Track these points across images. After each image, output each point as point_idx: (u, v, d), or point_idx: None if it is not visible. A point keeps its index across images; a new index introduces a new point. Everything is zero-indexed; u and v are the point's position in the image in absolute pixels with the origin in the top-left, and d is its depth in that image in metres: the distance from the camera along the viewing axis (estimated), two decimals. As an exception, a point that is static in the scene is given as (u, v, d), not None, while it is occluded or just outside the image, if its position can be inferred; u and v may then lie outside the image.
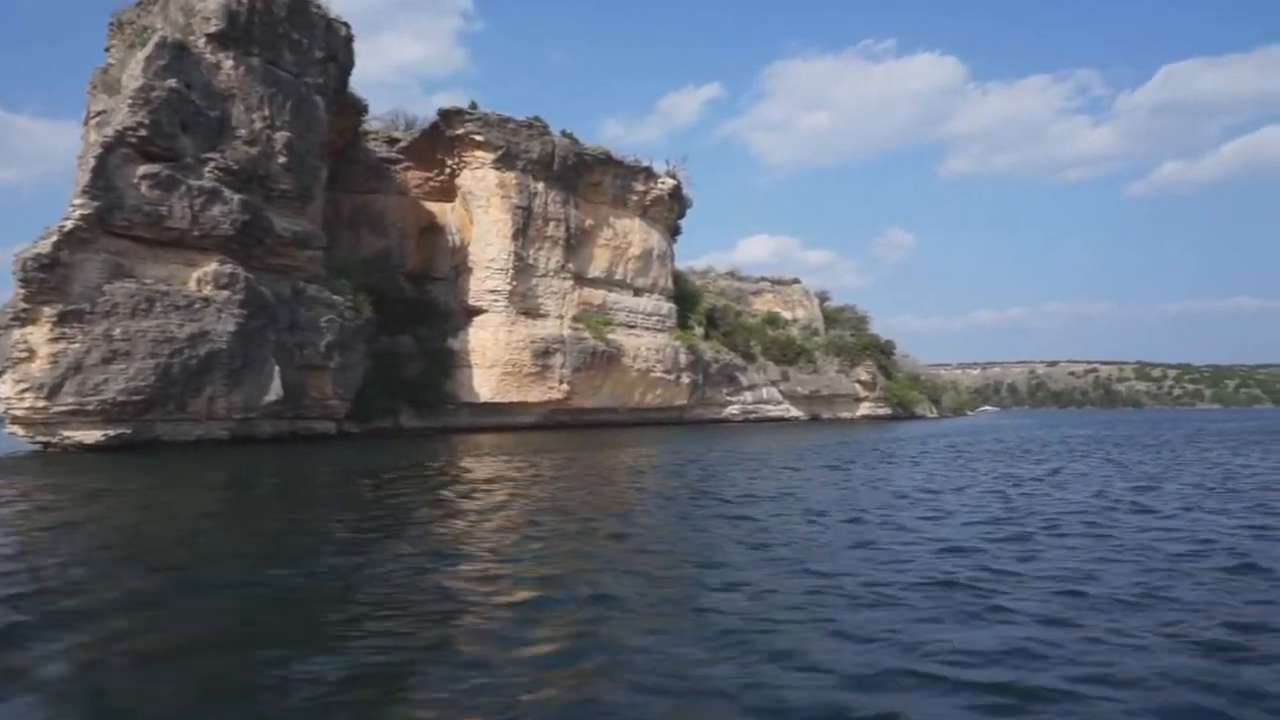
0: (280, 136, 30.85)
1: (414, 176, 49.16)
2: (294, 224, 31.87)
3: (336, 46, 35.14)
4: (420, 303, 46.89)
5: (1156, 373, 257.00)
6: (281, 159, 30.90)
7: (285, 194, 31.45)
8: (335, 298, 33.50)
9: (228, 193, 27.84)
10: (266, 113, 30.48)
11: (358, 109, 44.53)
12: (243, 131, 29.41)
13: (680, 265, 78.63)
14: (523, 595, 6.99)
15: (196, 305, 26.12)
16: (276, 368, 28.64)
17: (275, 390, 28.44)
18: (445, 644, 5.69)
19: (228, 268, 27.47)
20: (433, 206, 49.43)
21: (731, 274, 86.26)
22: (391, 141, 48.98)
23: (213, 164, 27.67)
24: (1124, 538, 9.96)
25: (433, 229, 49.41)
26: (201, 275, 26.88)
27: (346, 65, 37.06)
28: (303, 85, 32.78)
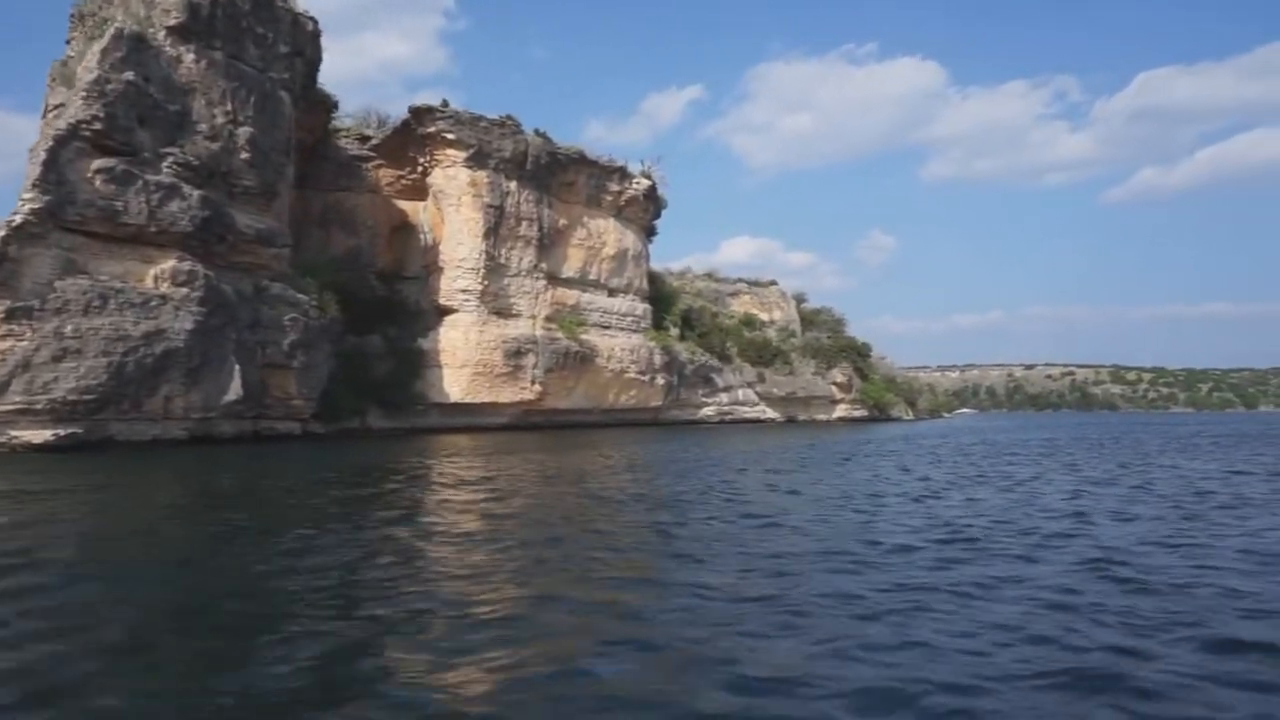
0: (243, 132, 30.37)
1: (386, 175, 48.69)
2: (257, 221, 31.38)
3: (303, 41, 34.68)
4: (391, 302, 46.43)
5: (1132, 376, 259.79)
6: (244, 155, 30.42)
7: (248, 190, 30.96)
8: (300, 296, 33.03)
9: (187, 188, 27.34)
10: (229, 107, 29.99)
11: (327, 106, 44.12)
12: (204, 126, 28.91)
13: (659, 266, 78.70)
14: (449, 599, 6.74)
15: (153, 303, 25.60)
16: (237, 367, 28.18)
17: (235, 390, 27.97)
18: (358, 653, 5.44)
19: (186, 265, 26.97)
20: (405, 205, 48.98)
21: (709, 275, 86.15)
22: (363, 139, 48.46)
23: (171, 159, 27.16)
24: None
25: (404, 228, 48.96)
26: (159, 272, 26.37)
27: (314, 61, 36.62)
28: (267, 80, 32.30)
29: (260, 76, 31.85)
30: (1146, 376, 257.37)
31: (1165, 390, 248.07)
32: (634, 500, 13.83)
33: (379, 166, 48.50)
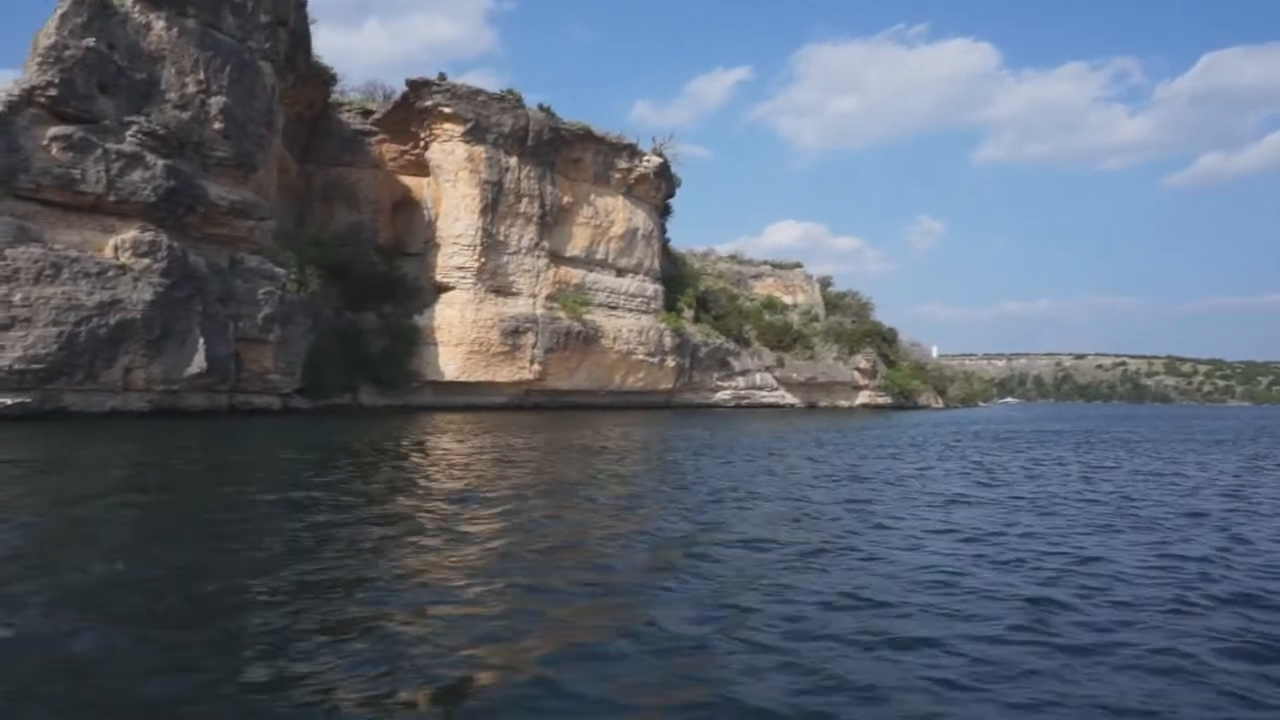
0: (216, 101, 29.92)
1: (389, 150, 48.20)
2: (232, 193, 30.98)
3: (285, 11, 34.12)
4: (390, 278, 46.03)
5: (1186, 368, 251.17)
6: (217, 125, 29.99)
7: (223, 162, 30.56)
8: (278, 270, 32.63)
9: (151, 157, 26.97)
10: (201, 76, 29.54)
11: (325, 78, 43.68)
12: (173, 95, 28.50)
13: (682, 247, 77.45)
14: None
15: (110, 273, 25.30)
16: (201, 339, 27.82)
17: (199, 362, 27.64)
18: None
19: (148, 235, 26.63)
20: (408, 180, 48.44)
21: (733, 257, 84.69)
22: (366, 114, 48.02)
23: (136, 127, 26.78)
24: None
25: (407, 204, 48.45)
26: (119, 242, 26.07)
27: (299, 31, 36.09)
28: (246, 50, 31.79)
29: (237, 46, 31.35)
30: (1202, 369, 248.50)
31: (1222, 383, 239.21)
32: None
33: (382, 141, 48.04)
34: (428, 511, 9.58)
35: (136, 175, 26.46)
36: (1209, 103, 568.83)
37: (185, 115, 28.82)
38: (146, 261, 26.45)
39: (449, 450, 18.64)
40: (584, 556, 7.38)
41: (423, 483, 12.58)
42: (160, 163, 27.26)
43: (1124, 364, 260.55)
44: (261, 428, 25.87)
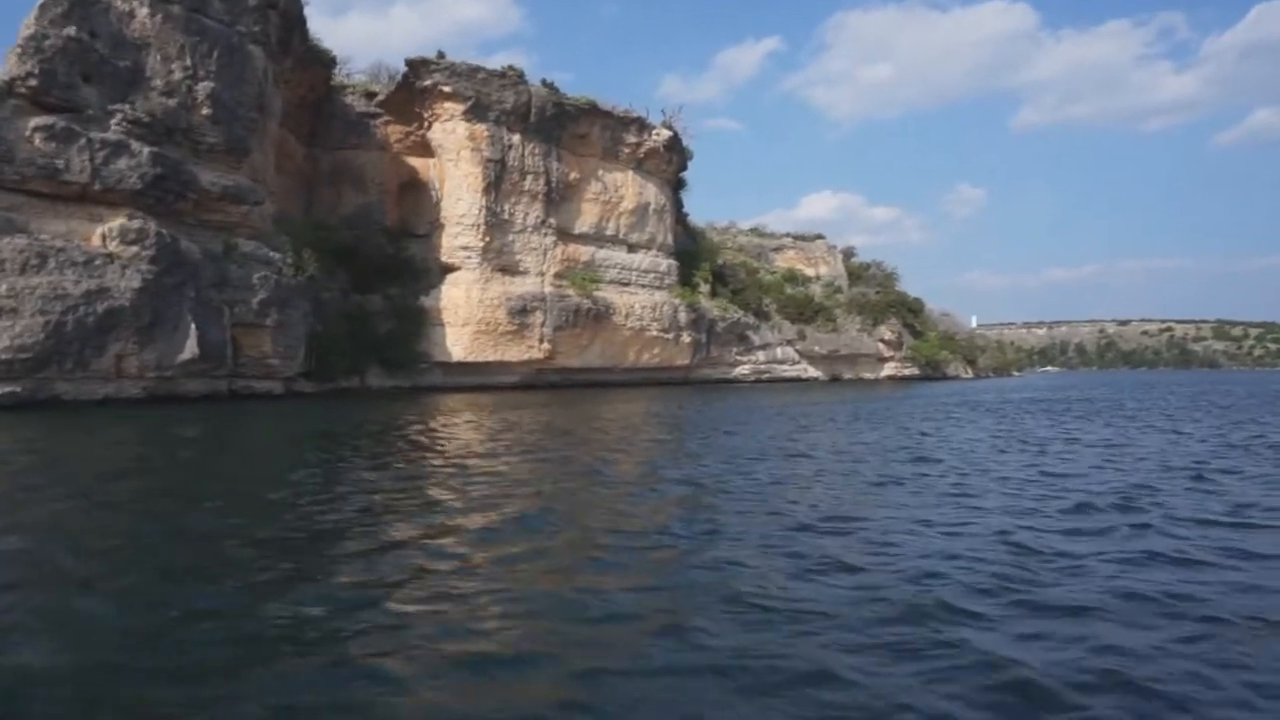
0: (204, 87, 29.86)
1: (394, 131, 47.98)
2: (224, 178, 31.00)
3: (275, -7, 33.89)
4: (397, 260, 46.03)
5: (1237, 331, 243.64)
6: (206, 111, 29.94)
7: (213, 148, 30.55)
8: (273, 254, 32.69)
9: (136, 145, 27.03)
10: (188, 63, 29.48)
11: (325, 61, 43.54)
12: (159, 82, 28.48)
13: (702, 222, 76.59)
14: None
15: (97, 261, 25.47)
16: (193, 325, 27.96)
17: (191, 348, 27.80)
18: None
19: (136, 223, 26.74)
20: (415, 162, 48.22)
21: (754, 230, 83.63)
22: (369, 95, 47.84)
23: (121, 116, 26.84)
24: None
25: (414, 185, 48.26)
26: (107, 231, 26.22)
27: (292, 13, 35.88)
28: (234, 34, 31.66)
29: (225, 30, 31.23)
30: (1253, 332, 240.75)
31: (1274, 346, 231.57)
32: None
33: (387, 123, 47.82)
34: (389, 499, 9.32)
35: (122, 163, 26.54)
36: (1262, 55, 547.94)
37: (172, 102, 28.81)
38: (135, 249, 26.58)
39: (426, 431, 18.45)
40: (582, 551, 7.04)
41: (398, 464, 12.34)
42: (146, 150, 27.31)
43: (1170, 329, 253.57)
44: (255, 412, 26.01)
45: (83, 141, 25.68)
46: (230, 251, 31.14)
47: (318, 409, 27.32)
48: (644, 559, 6.31)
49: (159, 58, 28.67)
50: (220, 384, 30.88)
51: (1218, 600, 5.19)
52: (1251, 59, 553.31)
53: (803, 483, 10.38)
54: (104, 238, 26.17)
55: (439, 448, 14.69)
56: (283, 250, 33.57)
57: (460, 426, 20.04)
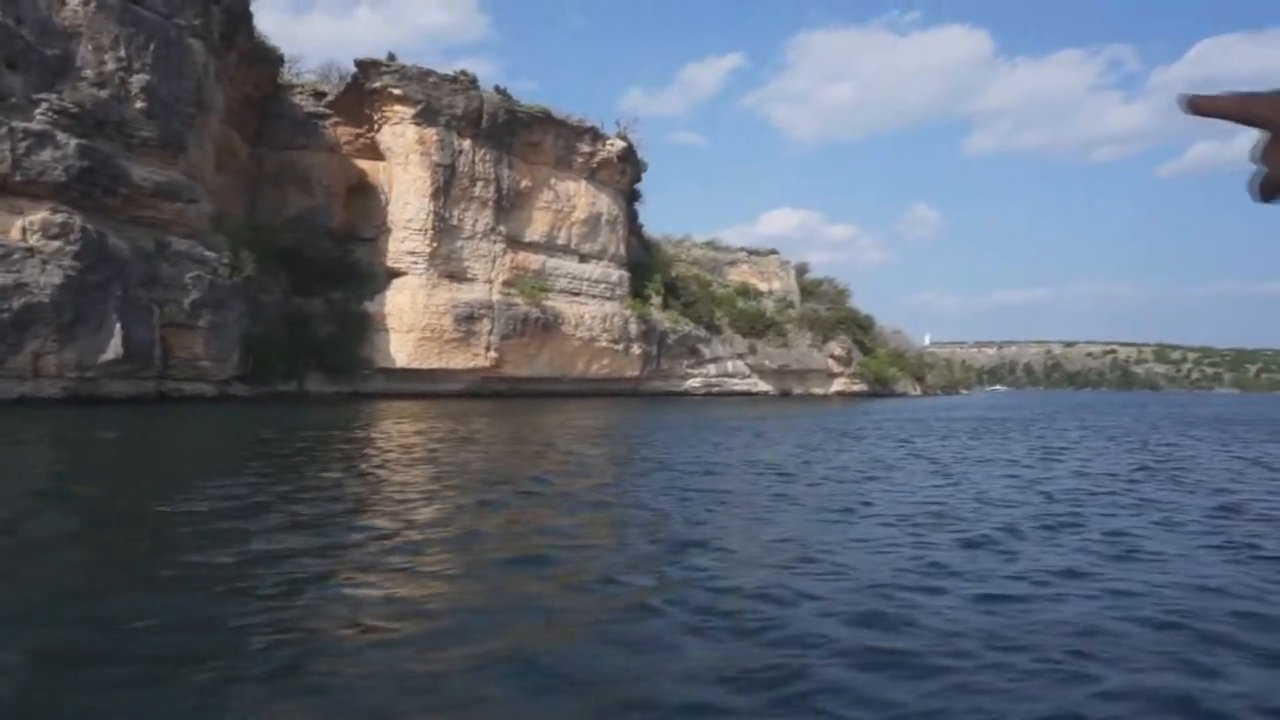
0: (138, 79, 29.04)
1: (344, 133, 47.23)
2: (158, 174, 30.14)
3: (218, -13, 33.17)
4: (342, 264, 45.21)
5: (1176, 355, 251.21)
6: (139, 104, 29.11)
7: (147, 142, 29.69)
8: (208, 254, 31.83)
9: (63, 136, 26.13)
10: (122, 54, 28.64)
11: (271, 59, 42.75)
12: (89, 72, 27.61)
13: (657, 234, 76.57)
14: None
15: (15, 255, 24.51)
16: (118, 325, 27.05)
17: (115, 348, 26.88)
18: None
19: (60, 217, 25.81)
20: (364, 164, 47.47)
21: (709, 244, 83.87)
22: (318, 95, 47.06)
23: (46, 105, 25.93)
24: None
25: (363, 188, 47.49)
26: (27, 224, 25.26)
27: (237, 9, 35.17)
28: (173, 27, 30.88)
29: (163, 22, 30.43)
30: (1191, 356, 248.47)
31: (1210, 370, 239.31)
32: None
33: (337, 124, 47.06)
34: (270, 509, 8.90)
35: (46, 154, 25.62)
36: (1204, 89, 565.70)
37: (103, 94, 27.93)
38: (58, 244, 25.64)
39: (340, 441, 17.97)
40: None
41: (317, 474, 11.89)
42: (74, 142, 26.41)
43: (1114, 351, 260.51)
44: (181, 415, 25.20)
45: (4, 130, 24.74)
46: (162, 250, 30.24)
47: (249, 414, 26.58)
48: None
49: (90, 47, 27.79)
50: (148, 386, 29.91)
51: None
52: (1196, 91, 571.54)
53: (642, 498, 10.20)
54: (24, 231, 25.20)
55: (356, 456, 14.28)
56: (219, 250, 32.71)
57: (380, 436, 19.59)
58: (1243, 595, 5.71)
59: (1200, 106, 0.85)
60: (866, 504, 9.75)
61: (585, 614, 5.04)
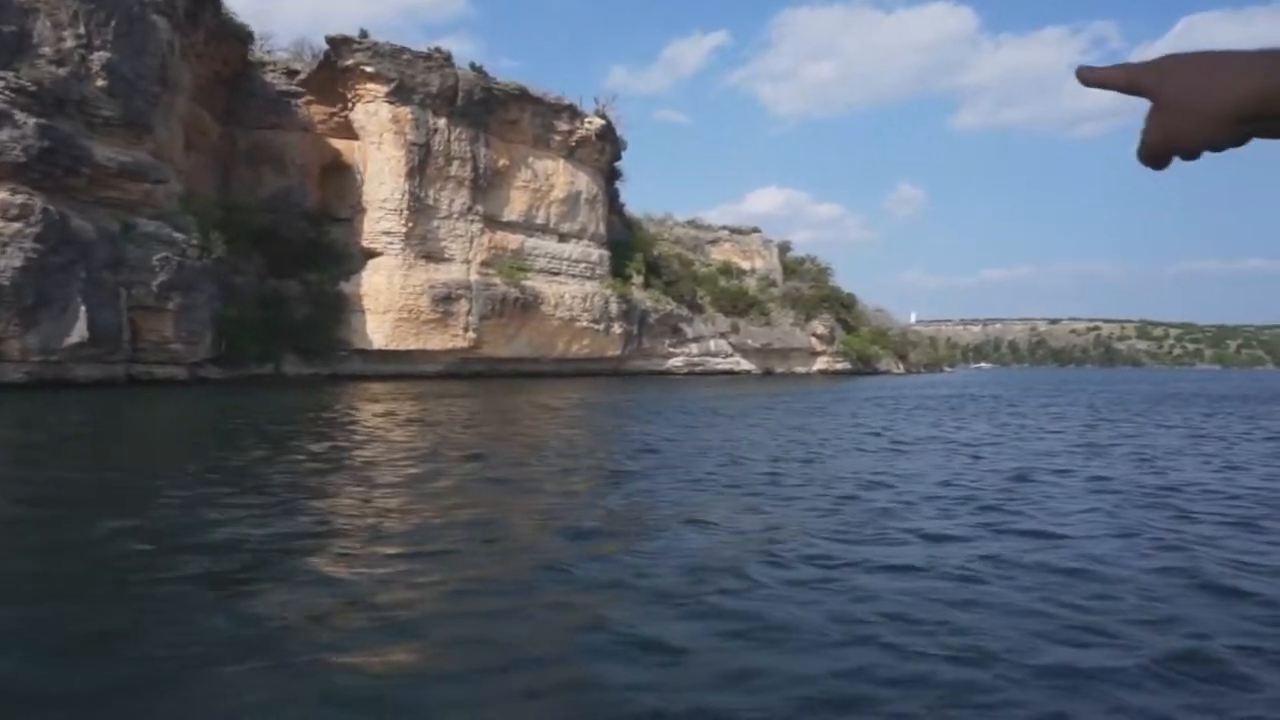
0: (99, 57, 28.46)
1: (318, 111, 46.57)
2: (123, 154, 29.62)
3: (182, -38, 32.49)
4: (318, 244, 44.73)
5: (1158, 331, 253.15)
6: (101, 82, 28.54)
7: (110, 121, 29.15)
8: (176, 235, 31.36)
9: (21, 115, 25.60)
10: (81, 31, 28.04)
11: (241, 36, 42.00)
12: (48, 50, 27.03)
13: (639, 212, 76.13)
14: None
15: (-26, 237, 24.08)
16: (83, 307, 26.65)
17: (80, 332, 26.49)
18: None
19: (19, 198, 25.32)
20: (339, 144, 46.85)
21: (691, 223, 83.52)
22: (291, 74, 46.31)
23: (3, 84, 25.37)
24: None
25: (338, 167, 46.92)
26: (-14, 205, 24.79)
27: (201, -16, 34.46)
28: (135, 3, 30.24)
29: (125, -1, 29.81)
30: (1173, 332, 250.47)
31: (1192, 346, 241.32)
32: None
33: (310, 103, 46.39)
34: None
35: (4, 134, 25.10)
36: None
37: (62, 71, 27.37)
38: (18, 226, 25.17)
39: (314, 422, 17.77)
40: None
41: (281, 457, 11.71)
42: (32, 121, 25.88)
43: (1097, 328, 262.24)
44: (150, 399, 24.91)
45: (-41, 110, 24.22)
46: (128, 231, 29.78)
47: (222, 397, 26.28)
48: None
49: (48, 24, 27.20)
50: (116, 369, 29.56)
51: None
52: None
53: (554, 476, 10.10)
54: (-17, 213, 24.73)
55: (324, 439, 14.10)
56: (188, 231, 32.24)
57: (352, 416, 19.40)
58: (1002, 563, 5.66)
59: (1089, 79, 0.89)
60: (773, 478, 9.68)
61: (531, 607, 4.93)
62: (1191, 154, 0.83)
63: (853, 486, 9.24)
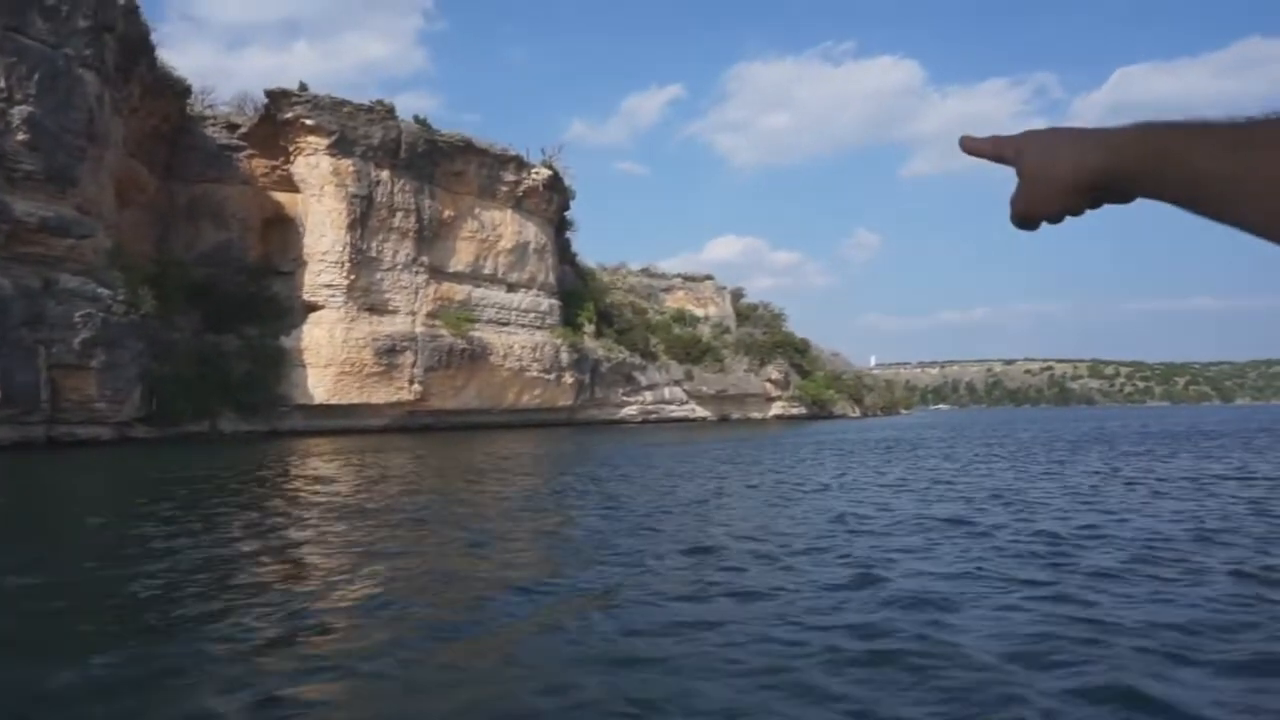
0: (20, 111, 27.81)
1: (259, 165, 46.08)
2: (44, 209, 28.82)
3: (111, 16, 32.08)
4: (258, 298, 43.91)
5: (1110, 370, 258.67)
6: (21, 136, 27.86)
7: (31, 175, 28.41)
8: (102, 291, 30.47)
9: (-68, 170, 24.84)
10: (3, 84, 27.44)
11: (178, 90, 41.61)
12: (-35, 103, 26.39)
13: (592, 262, 76.22)
14: None
15: (-124, 296, 23.09)
16: (-8, 367, 25.61)
17: (-11, 392, 25.42)
18: None
19: (-71, 254, 24.46)
20: (281, 197, 46.29)
21: (645, 271, 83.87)
22: (232, 128, 45.90)
23: (-85, 138, 24.66)
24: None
25: (280, 220, 46.29)
26: (-108, 262, 23.87)
27: (132, 38, 34.08)
28: (60, 57, 29.70)
29: (49, 52, 29.24)
30: (1124, 371, 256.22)
31: (1142, 384, 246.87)
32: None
33: (251, 156, 45.91)
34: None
35: (-86, 189, 24.29)
36: (1124, 115, 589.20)
37: (-20, 125, 26.69)
38: (-74, 283, 24.24)
39: (228, 483, 17.00)
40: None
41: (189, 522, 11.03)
42: (-56, 176, 25.12)
43: (1051, 368, 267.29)
44: (68, 462, 23.85)
45: None
46: (49, 287, 28.83)
47: (148, 457, 25.29)
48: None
49: (-33, 78, 26.58)
50: (35, 431, 28.37)
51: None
52: (1116, 117, 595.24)
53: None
54: (-112, 270, 23.78)
55: (245, 498, 13.42)
56: (114, 287, 31.34)
57: (277, 476, 18.67)
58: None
59: (968, 148, 0.97)
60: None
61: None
62: (1052, 219, 0.87)
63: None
